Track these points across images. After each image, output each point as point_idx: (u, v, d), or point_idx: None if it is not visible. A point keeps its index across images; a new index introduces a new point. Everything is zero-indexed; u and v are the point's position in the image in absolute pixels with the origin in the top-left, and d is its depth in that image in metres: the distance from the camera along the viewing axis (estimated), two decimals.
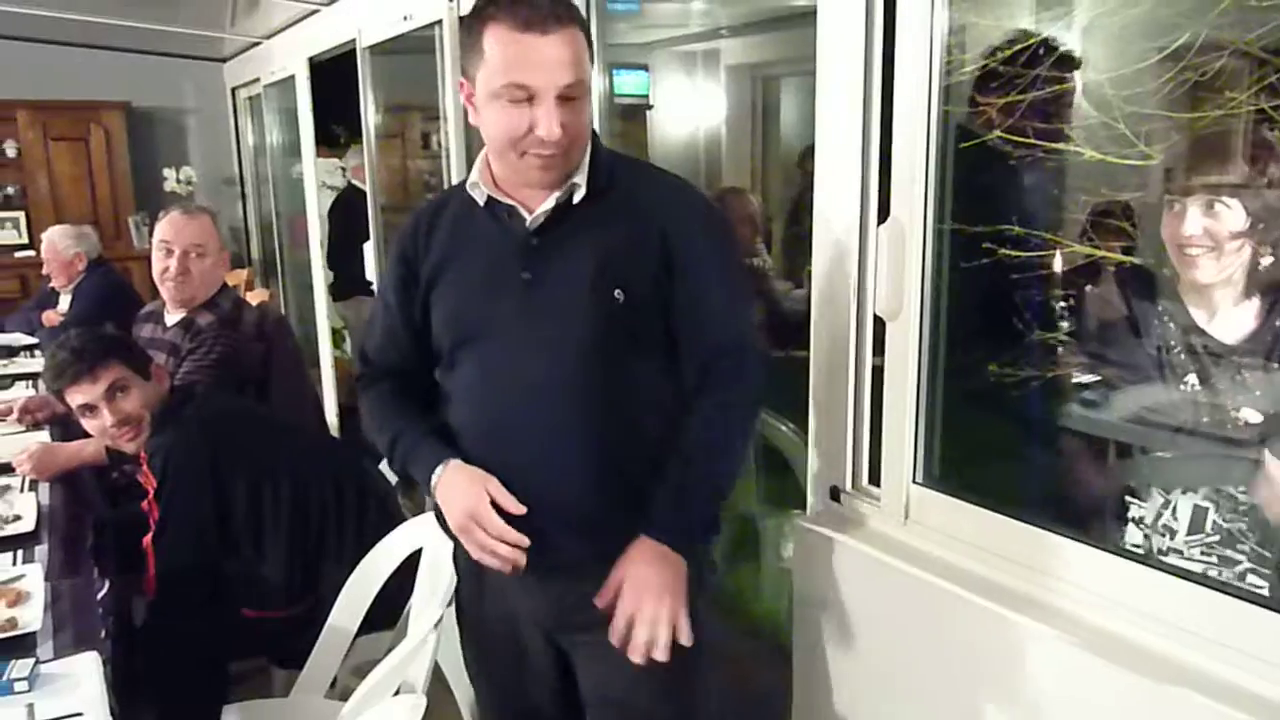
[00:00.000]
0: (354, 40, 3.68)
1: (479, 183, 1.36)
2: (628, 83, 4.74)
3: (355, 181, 4.85)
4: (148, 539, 2.00)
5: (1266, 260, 1.30)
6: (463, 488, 1.32)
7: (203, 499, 2.00)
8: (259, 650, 2.18)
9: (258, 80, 5.25)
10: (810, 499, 1.77)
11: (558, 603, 1.41)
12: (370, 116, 3.79)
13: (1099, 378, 1.71)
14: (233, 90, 6.11)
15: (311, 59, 4.26)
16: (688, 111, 5.13)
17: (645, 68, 4.83)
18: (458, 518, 1.32)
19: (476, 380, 1.38)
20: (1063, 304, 1.72)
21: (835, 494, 1.72)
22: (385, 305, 1.48)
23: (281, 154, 5.39)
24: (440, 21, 3.00)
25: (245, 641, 2.10)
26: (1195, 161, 1.37)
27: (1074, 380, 1.64)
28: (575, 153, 1.30)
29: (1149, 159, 2.23)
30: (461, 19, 1.21)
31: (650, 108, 4.89)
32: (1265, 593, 1.26)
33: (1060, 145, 2.18)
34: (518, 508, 1.30)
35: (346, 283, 4.76)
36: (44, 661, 1.48)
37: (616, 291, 1.31)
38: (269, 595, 2.09)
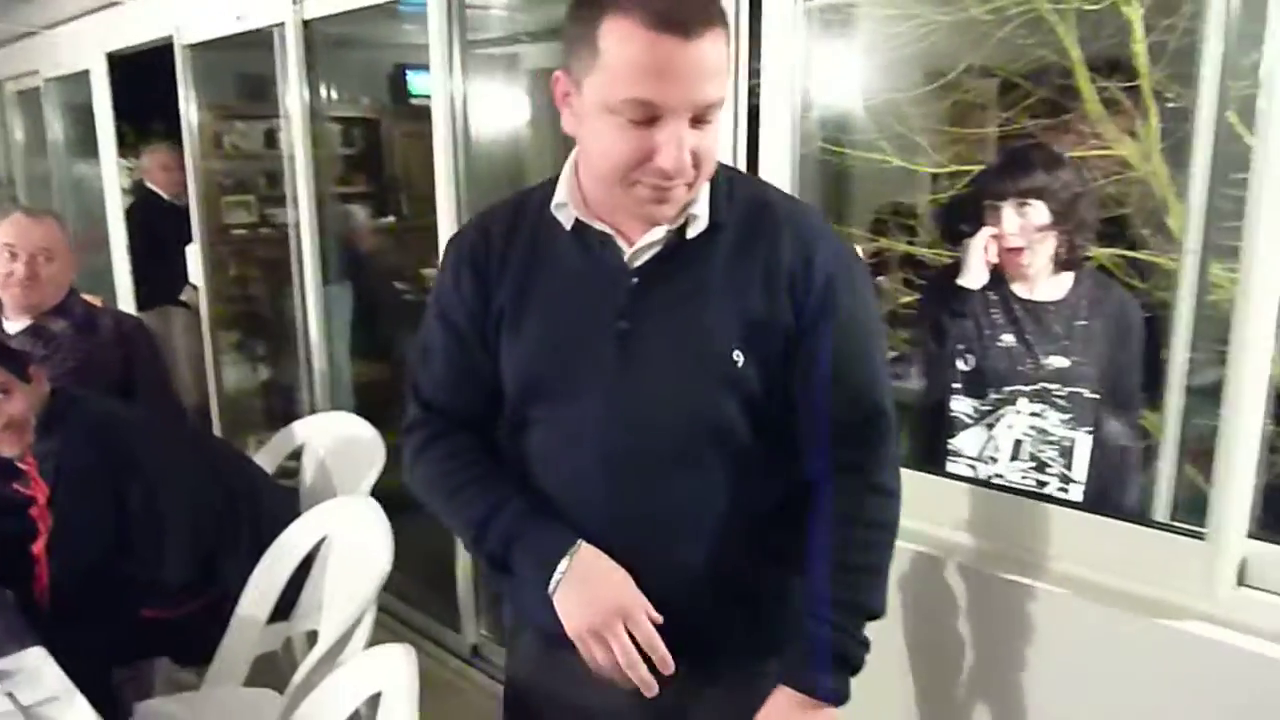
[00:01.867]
0: (170, 37, 3.58)
1: (568, 202, 1.11)
2: (422, 83, 4.83)
3: (150, 184, 4.65)
4: (39, 547, 1.97)
5: (1065, 244, 1.70)
6: (612, 581, 1.07)
7: (99, 503, 1.99)
8: (161, 650, 2.18)
9: (35, 73, 4.89)
10: None
11: (651, 709, 1.12)
12: (193, 117, 3.70)
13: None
14: None
15: (111, 54, 4.07)
16: (488, 114, 5.27)
17: None
18: (602, 615, 1.05)
19: (553, 449, 1.14)
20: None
21: None
22: (452, 331, 1.18)
23: (66, 153, 5.05)
24: (283, 24, 3.03)
25: (146, 642, 2.11)
26: (1006, 169, 1.73)
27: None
28: (700, 183, 1.05)
29: (942, 166, 2.68)
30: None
31: None
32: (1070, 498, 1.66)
33: (873, 155, 2.60)
34: (657, 616, 1.07)
35: (152, 291, 4.55)
36: None
37: (736, 353, 1.07)
38: (169, 594, 2.10)
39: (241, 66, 4.46)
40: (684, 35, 0.93)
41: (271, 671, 2.13)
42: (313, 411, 3.32)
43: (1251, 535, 1.35)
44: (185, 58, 3.58)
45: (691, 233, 1.08)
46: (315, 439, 2.64)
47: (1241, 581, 1.35)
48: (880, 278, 2.67)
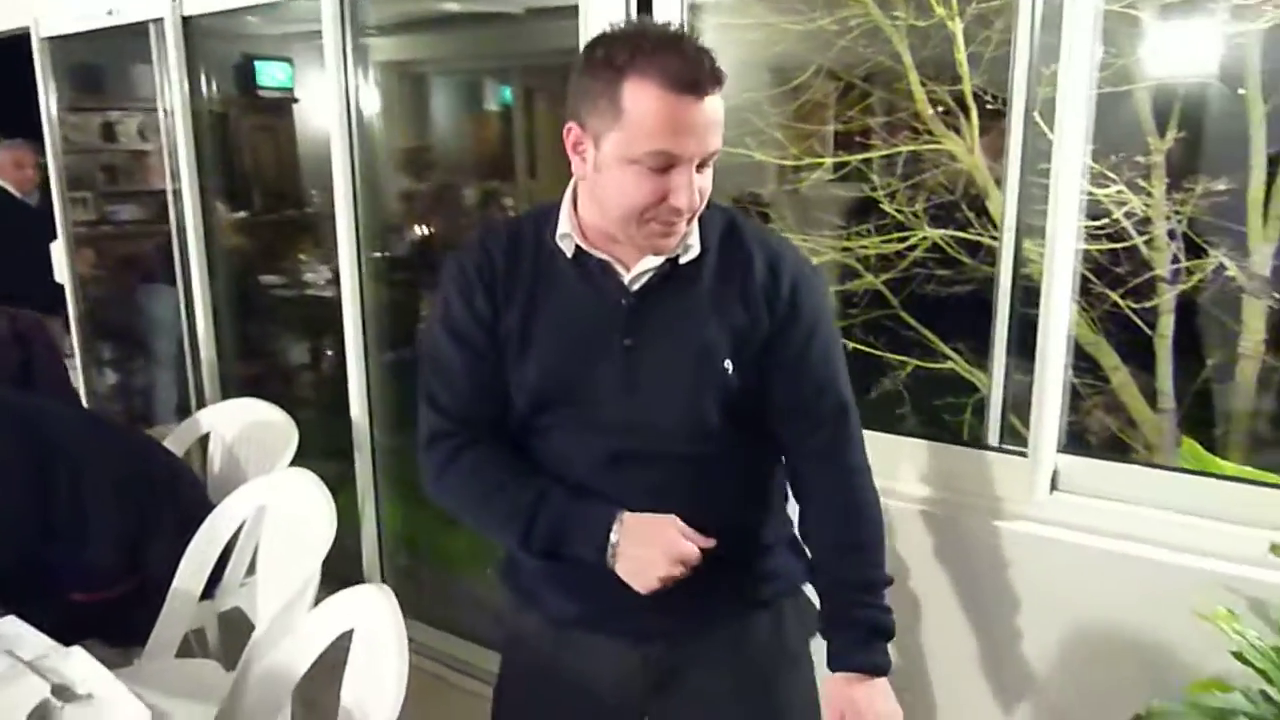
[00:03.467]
0: (28, 29, 3.51)
1: (570, 233, 1.24)
2: (271, 74, 4.83)
3: (2, 182, 4.48)
4: None
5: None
6: (662, 537, 1.20)
7: (24, 492, 2.05)
8: (91, 632, 2.22)
9: None
10: None
11: (653, 672, 1.34)
12: (53, 111, 3.63)
13: None
14: None
15: None
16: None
17: (289, 60, 4.93)
18: (666, 567, 1.19)
19: (566, 450, 1.27)
20: None
21: None
22: (468, 348, 1.28)
23: None
24: (161, 20, 3.05)
25: (77, 625, 2.16)
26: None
27: None
28: (695, 217, 1.21)
29: (798, 159, 3.01)
30: (586, 57, 1.15)
31: (295, 101, 5.02)
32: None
33: (739, 150, 2.90)
34: (709, 541, 1.22)
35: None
36: None
37: (726, 363, 1.22)
38: (97, 577, 2.17)
39: (73, 58, 4.32)
40: (697, 95, 1.09)
41: (185, 652, 2.21)
42: (200, 407, 3.35)
43: (1060, 451, 1.72)
44: (45, 50, 3.52)
45: (685, 259, 1.23)
46: (221, 426, 2.71)
47: (1054, 488, 1.72)
48: None
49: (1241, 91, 2.34)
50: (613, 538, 1.20)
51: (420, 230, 4.47)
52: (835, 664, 1.26)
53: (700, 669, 1.34)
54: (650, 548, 1.19)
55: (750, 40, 2.75)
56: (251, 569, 2.27)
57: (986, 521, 1.73)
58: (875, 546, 1.30)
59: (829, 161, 2.95)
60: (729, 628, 1.34)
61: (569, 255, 1.24)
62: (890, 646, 1.28)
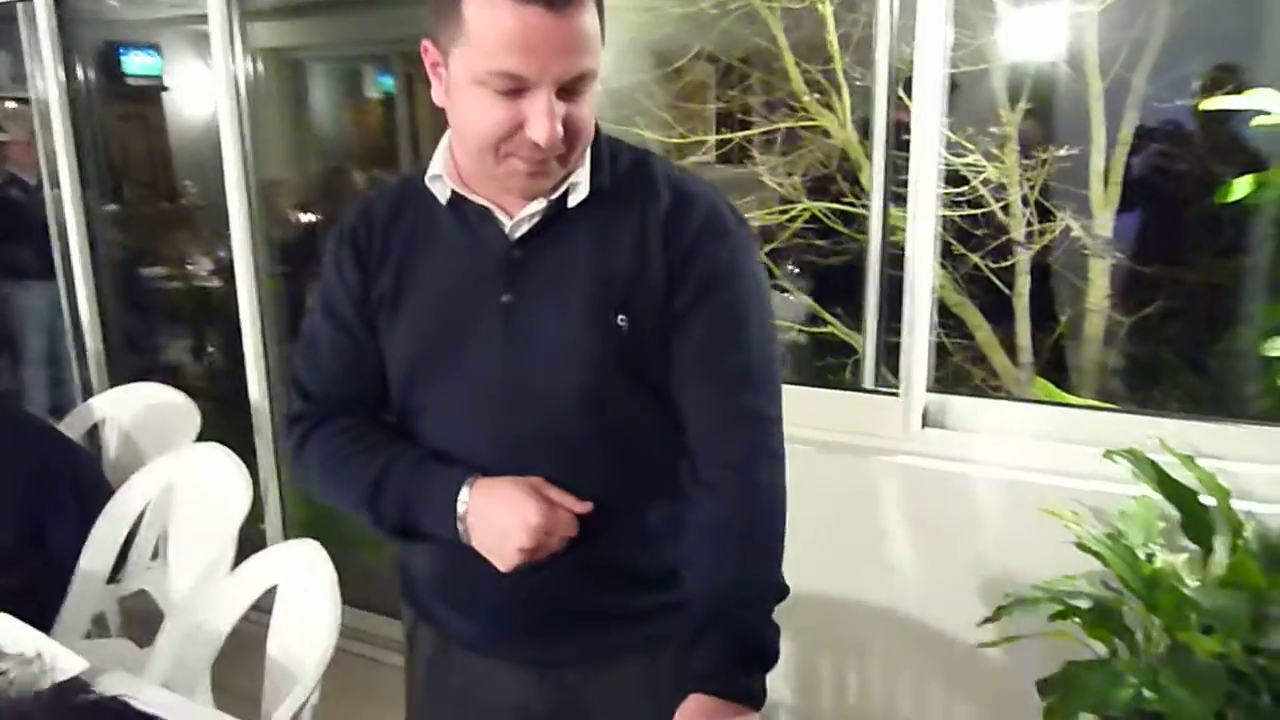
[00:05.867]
0: None
1: (442, 175, 1.07)
2: (137, 62, 4.72)
3: None
4: None
5: None
6: (510, 497, 1.02)
7: None
8: None
9: None
10: None
11: (553, 700, 1.15)
12: None
13: None
14: None
15: None
16: (209, 94, 5.20)
17: (156, 47, 4.82)
18: (530, 539, 1.00)
19: (442, 433, 1.09)
20: None
21: None
22: (334, 322, 1.13)
23: None
24: (30, 1, 2.97)
25: None
26: None
27: None
28: (577, 153, 1.02)
29: (684, 137, 3.15)
30: None
31: (165, 89, 4.91)
32: None
33: (629, 129, 3.02)
34: (583, 506, 1.04)
35: None
36: None
37: (620, 317, 1.03)
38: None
39: None
40: (548, 6, 0.91)
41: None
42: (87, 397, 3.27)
43: (930, 390, 1.91)
44: None
45: (572, 201, 1.04)
46: (115, 412, 2.68)
47: (925, 424, 1.90)
48: None
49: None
50: (460, 507, 1.03)
51: (307, 218, 4.44)
52: (692, 683, 0.99)
53: (603, 696, 1.14)
54: (504, 513, 1.01)
55: (636, 23, 2.88)
56: (162, 554, 2.27)
57: (866, 456, 1.90)
58: (761, 548, 1.06)
59: (712, 139, 3.10)
60: (639, 663, 1.13)
61: (443, 200, 1.07)
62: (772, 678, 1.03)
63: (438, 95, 1.03)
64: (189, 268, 4.37)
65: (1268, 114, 1.92)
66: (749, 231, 1.11)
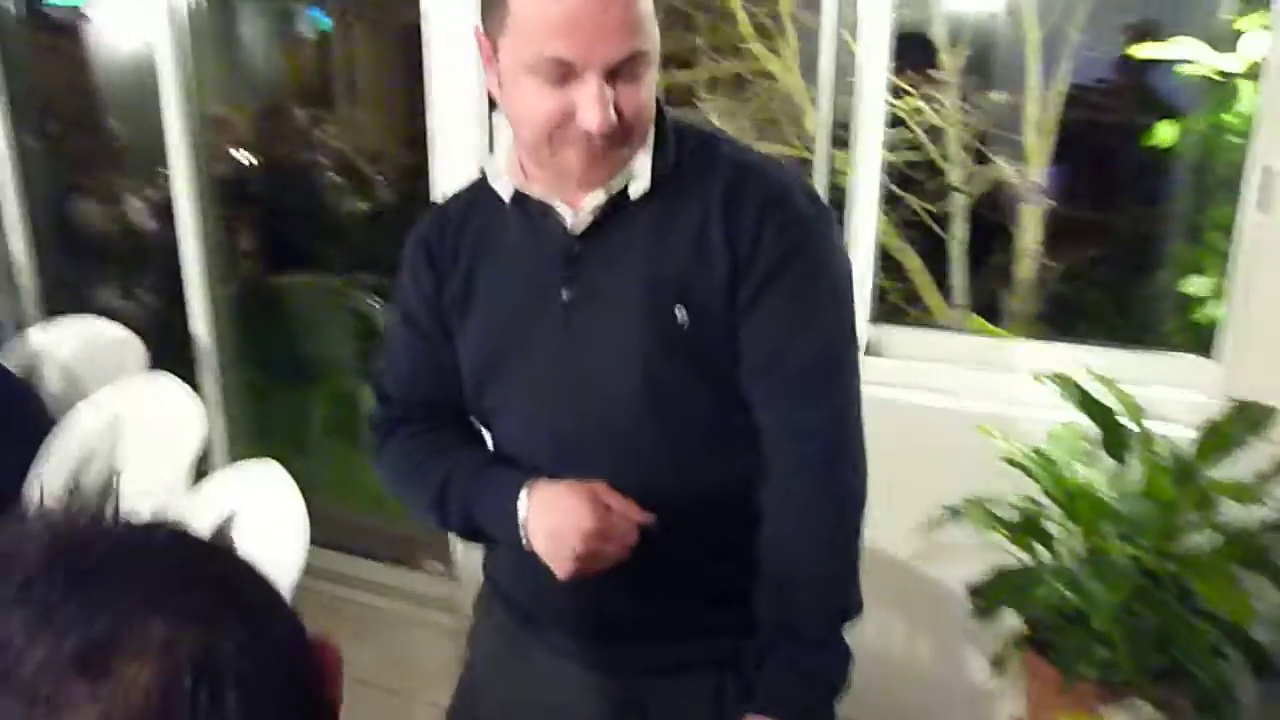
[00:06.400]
0: None
1: (505, 174, 1.04)
2: None
3: None
4: None
5: None
6: (570, 507, 0.97)
7: None
8: None
9: None
10: None
11: (611, 702, 1.13)
12: None
13: None
14: None
15: None
16: (137, 27, 5.03)
17: None
18: (584, 544, 0.95)
19: (513, 432, 1.09)
20: None
21: None
22: (410, 326, 1.13)
23: None
24: None
25: None
26: None
27: None
28: (635, 140, 0.97)
29: None
30: None
31: (86, 20, 4.74)
32: None
33: None
34: (645, 516, 0.98)
35: None
36: None
37: (678, 309, 0.99)
38: None
39: None
40: None
41: None
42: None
43: (870, 322, 2.00)
44: None
45: (634, 193, 1.00)
46: (53, 347, 2.63)
47: (866, 352, 1.99)
48: None
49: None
50: (521, 512, 1.00)
51: (244, 157, 4.36)
52: (754, 703, 1.00)
53: (665, 703, 1.11)
54: (559, 519, 0.97)
55: None
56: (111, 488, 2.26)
57: None
58: (837, 561, 1.04)
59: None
60: (706, 677, 1.09)
61: (506, 198, 1.04)
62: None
63: (491, 86, 1.00)
64: (120, 207, 4.27)
65: (1191, 62, 2.02)
66: (824, 213, 1.03)
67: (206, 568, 0.46)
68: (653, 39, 0.93)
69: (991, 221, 2.90)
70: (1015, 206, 2.83)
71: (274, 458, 1.60)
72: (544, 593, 1.06)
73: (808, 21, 2.70)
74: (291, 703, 0.45)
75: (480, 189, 1.09)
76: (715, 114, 3.02)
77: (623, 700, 1.12)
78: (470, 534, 1.10)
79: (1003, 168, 2.76)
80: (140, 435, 2.12)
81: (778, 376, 1.00)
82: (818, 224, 1.01)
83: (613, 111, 0.91)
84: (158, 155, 2.87)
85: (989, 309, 2.94)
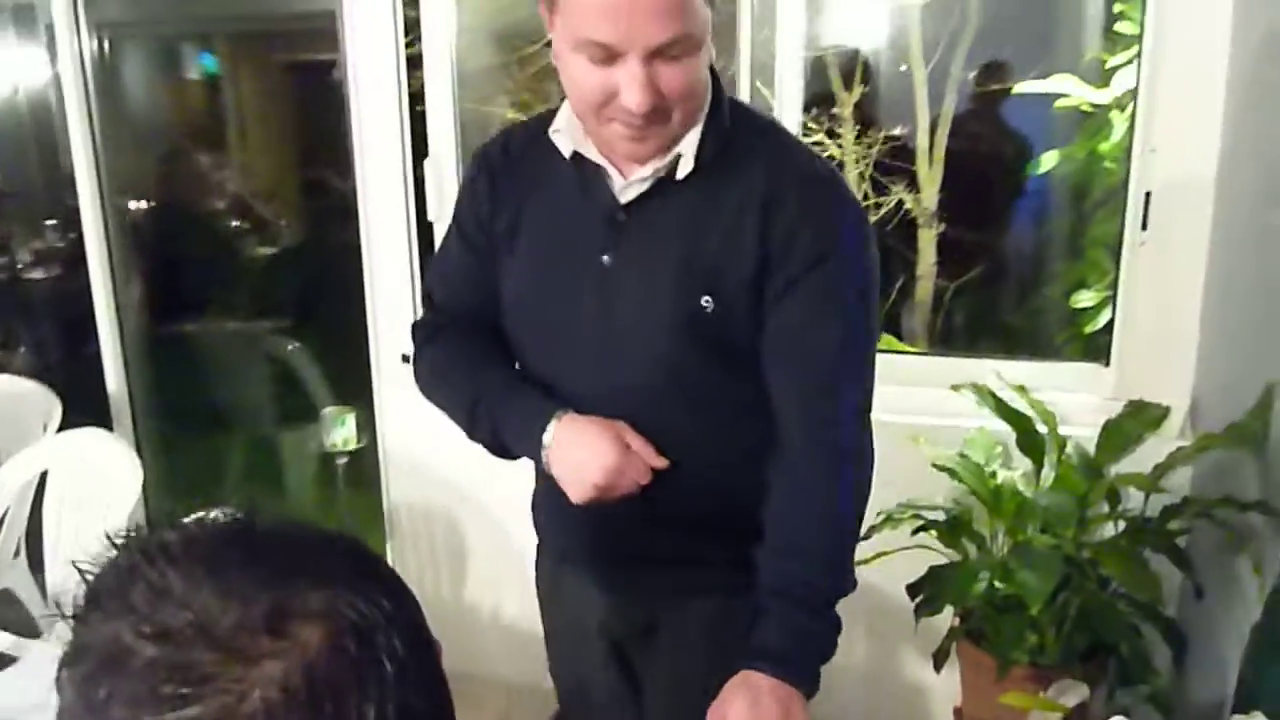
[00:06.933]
0: None
1: (564, 129, 1.07)
2: None
3: None
4: None
5: None
6: (595, 441, 1.06)
7: None
8: None
9: None
10: None
11: (627, 617, 1.25)
12: None
13: None
14: None
15: None
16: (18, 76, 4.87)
17: None
18: (603, 478, 1.05)
19: (541, 369, 1.16)
20: None
21: None
22: (462, 238, 1.19)
23: None
24: None
25: None
26: None
27: None
28: (685, 118, 1.02)
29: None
30: None
31: None
32: None
33: (494, 109, 3.08)
34: (660, 461, 1.08)
35: None
36: None
37: (705, 297, 1.04)
38: None
39: None
40: None
41: None
42: None
43: None
44: None
45: (680, 173, 1.05)
46: None
47: None
48: None
49: (904, 68, 2.86)
50: (546, 438, 1.08)
51: (139, 205, 4.24)
52: (746, 657, 1.04)
53: (673, 641, 1.22)
54: (583, 450, 1.06)
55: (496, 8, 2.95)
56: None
57: None
58: (832, 545, 1.08)
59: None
60: (709, 602, 1.18)
61: (566, 155, 1.08)
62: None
63: (554, 55, 1.04)
64: (11, 257, 4.10)
65: (1066, 96, 2.23)
66: (857, 213, 1.09)
67: (343, 548, 0.55)
68: (700, 21, 0.96)
69: (891, 246, 3.08)
70: (913, 231, 3.01)
71: (191, 509, 1.56)
72: (572, 527, 1.20)
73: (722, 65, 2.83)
74: (430, 672, 0.54)
75: (544, 125, 1.11)
76: None
77: (640, 622, 1.23)
78: (496, 449, 1.17)
79: (900, 194, 2.94)
80: (68, 497, 2.06)
81: (797, 365, 1.06)
82: (853, 228, 1.07)
83: (651, 93, 0.96)
84: (41, 207, 2.80)
85: (892, 328, 3.11)
